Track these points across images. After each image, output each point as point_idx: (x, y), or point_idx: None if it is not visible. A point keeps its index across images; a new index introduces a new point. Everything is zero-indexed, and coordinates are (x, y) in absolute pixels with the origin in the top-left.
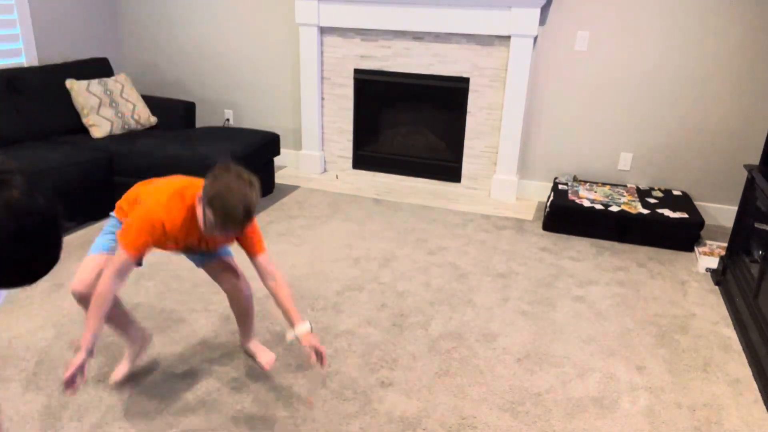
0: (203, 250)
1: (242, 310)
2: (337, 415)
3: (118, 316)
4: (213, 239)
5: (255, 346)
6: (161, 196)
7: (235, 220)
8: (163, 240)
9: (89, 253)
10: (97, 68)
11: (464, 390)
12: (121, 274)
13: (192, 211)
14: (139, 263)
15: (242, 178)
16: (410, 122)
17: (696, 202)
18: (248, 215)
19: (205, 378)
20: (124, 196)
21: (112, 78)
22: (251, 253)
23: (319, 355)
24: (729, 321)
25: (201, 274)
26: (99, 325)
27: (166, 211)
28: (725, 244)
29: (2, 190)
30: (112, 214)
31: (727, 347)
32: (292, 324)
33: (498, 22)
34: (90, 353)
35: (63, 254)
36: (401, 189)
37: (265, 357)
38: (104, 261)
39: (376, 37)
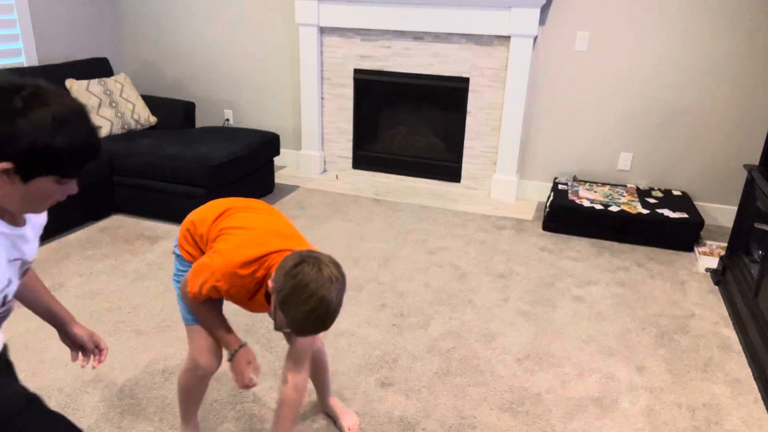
0: None
1: (315, 366)
2: None
3: (197, 399)
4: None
5: (336, 405)
6: (235, 256)
7: (310, 328)
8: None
9: (189, 322)
10: (97, 68)
11: (464, 390)
12: (207, 308)
13: (262, 284)
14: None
15: (322, 274)
16: (410, 122)
17: (696, 202)
18: (328, 323)
19: None
20: (198, 220)
21: (112, 78)
22: None
23: None
24: (729, 321)
25: None
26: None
27: (230, 281)
28: (725, 244)
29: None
30: (176, 250)
31: (726, 347)
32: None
33: (498, 22)
34: (242, 345)
35: (62, 254)
36: (401, 189)
37: (349, 420)
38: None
39: (376, 37)
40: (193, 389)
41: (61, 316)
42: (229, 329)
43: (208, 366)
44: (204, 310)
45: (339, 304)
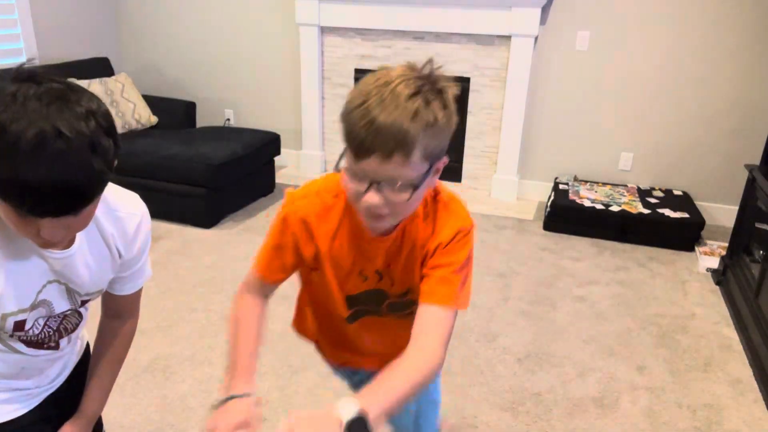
0: (380, 289)
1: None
2: None
3: None
4: (384, 260)
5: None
6: (306, 188)
7: (353, 121)
8: (309, 249)
9: None
10: (98, 68)
11: (464, 390)
12: (251, 290)
13: (351, 209)
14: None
15: (383, 74)
16: None
17: (696, 202)
18: (373, 125)
19: (206, 377)
20: None
21: (113, 78)
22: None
23: None
24: (729, 321)
25: (201, 273)
26: (234, 350)
27: (309, 203)
28: (726, 244)
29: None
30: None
31: (727, 347)
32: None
33: (498, 22)
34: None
35: None
36: None
37: None
38: None
39: (377, 36)
40: None
41: (83, 406)
42: (248, 362)
43: None
44: (242, 304)
45: (416, 114)
